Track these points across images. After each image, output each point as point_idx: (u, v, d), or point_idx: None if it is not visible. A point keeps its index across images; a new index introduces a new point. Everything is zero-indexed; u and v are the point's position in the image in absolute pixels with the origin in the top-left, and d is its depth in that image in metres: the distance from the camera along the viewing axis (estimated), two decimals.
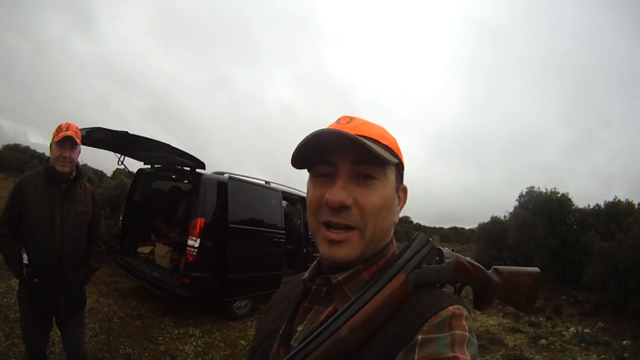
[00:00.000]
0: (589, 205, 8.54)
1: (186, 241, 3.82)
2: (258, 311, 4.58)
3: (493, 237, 9.63)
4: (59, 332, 2.16)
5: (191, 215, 3.94)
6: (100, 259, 2.18)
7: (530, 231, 8.20)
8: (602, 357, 4.50)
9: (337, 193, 0.52)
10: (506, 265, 0.71)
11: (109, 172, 12.25)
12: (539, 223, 8.11)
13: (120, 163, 4.49)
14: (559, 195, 8.61)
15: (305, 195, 0.60)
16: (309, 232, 4.49)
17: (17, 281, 1.98)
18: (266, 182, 4.84)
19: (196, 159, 3.86)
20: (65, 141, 1.90)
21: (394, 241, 0.61)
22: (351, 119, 0.57)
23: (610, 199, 8.35)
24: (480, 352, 4.35)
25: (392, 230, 0.60)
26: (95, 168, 14.54)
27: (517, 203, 9.33)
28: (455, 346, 0.44)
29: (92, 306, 3.79)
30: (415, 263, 0.53)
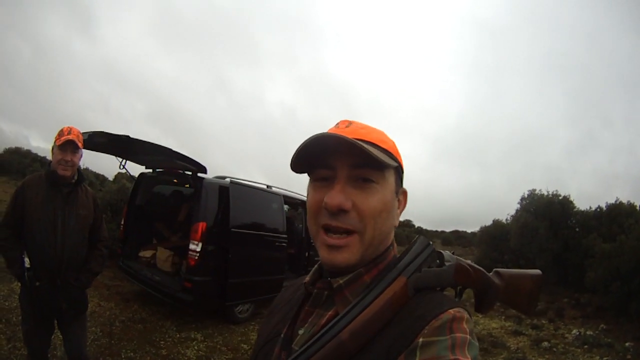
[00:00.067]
0: (590, 208, 8.55)
1: (188, 245, 3.82)
2: (260, 315, 4.57)
3: (495, 240, 9.60)
4: (60, 336, 2.17)
5: (193, 220, 3.94)
6: (101, 263, 2.18)
7: (532, 234, 8.18)
8: (604, 359, 4.48)
9: (336, 196, 0.52)
10: (508, 268, 0.71)
11: (110, 176, 12.32)
12: (541, 226, 8.09)
13: (121, 167, 4.50)
14: (560, 197, 8.61)
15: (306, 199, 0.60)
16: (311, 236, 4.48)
17: (19, 284, 1.98)
18: (268, 186, 4.84)
19: (198, 163, 3.85)
20: (67, 145, 1.91)
21: (395, 244, 0.61)
22: (350, 123, 0.58)
23: (611, 199, 8.38)
24: (483, 355, 4.32)
25: (393, 234, 0.60)
26: (97, 172, 14.59)
27: (518, 206, 9.32)
28: (456, 349, 0.44)
29: (93, 310, 3.79)
30: (416, 266, 0.54)
